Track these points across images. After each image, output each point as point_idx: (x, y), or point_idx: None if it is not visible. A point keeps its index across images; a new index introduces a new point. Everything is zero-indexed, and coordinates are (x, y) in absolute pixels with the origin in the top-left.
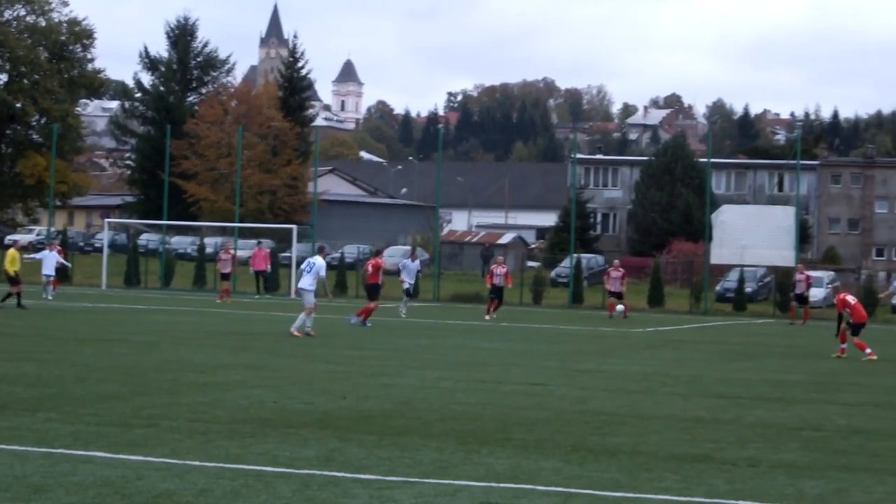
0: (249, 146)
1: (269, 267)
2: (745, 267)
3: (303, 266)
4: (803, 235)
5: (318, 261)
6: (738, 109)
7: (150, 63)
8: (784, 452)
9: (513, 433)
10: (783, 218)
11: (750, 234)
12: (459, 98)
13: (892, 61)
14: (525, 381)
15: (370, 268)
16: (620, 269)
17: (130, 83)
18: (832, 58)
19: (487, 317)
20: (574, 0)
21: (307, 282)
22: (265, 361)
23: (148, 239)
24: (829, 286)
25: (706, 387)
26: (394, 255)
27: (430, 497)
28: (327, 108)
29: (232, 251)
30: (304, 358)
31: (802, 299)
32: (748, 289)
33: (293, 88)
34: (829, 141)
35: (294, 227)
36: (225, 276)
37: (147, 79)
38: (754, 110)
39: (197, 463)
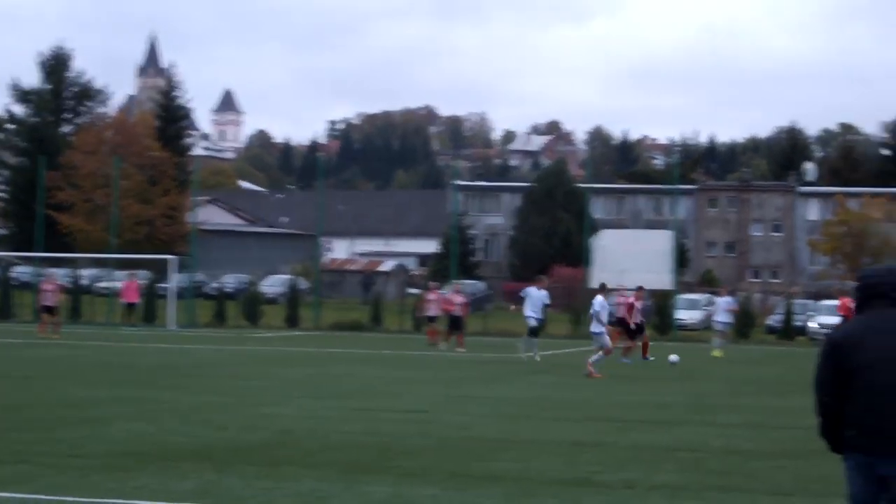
0: (126, 176)
1: (139, 299)
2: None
3: None
4: (681, 259)
5: None
6: (618, 135)
7: (22, 94)
8: (660, 474)
9: (395, 461)
10: (661, 242)
11: (629, 258)
12: (340, 126)
13: (768, 87)
14: (407, 409)
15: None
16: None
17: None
18: (713, 83)
19: (443, 345)
20: (460, 26)
21: None
22: (143, 394)
23: (20, 272)
24: (706, 308)
25: (586, 410)
26: (274, 284)
27: None
28: (206, 137)
29: (57, 282)
30: (183, 389)
31: (621, 323)
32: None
33: (171, 118)
34: (706, 165)
35: (173, 257)
36: (47, 309)
37: (19, 110)
38: (634, 135)
39: (72, 499)
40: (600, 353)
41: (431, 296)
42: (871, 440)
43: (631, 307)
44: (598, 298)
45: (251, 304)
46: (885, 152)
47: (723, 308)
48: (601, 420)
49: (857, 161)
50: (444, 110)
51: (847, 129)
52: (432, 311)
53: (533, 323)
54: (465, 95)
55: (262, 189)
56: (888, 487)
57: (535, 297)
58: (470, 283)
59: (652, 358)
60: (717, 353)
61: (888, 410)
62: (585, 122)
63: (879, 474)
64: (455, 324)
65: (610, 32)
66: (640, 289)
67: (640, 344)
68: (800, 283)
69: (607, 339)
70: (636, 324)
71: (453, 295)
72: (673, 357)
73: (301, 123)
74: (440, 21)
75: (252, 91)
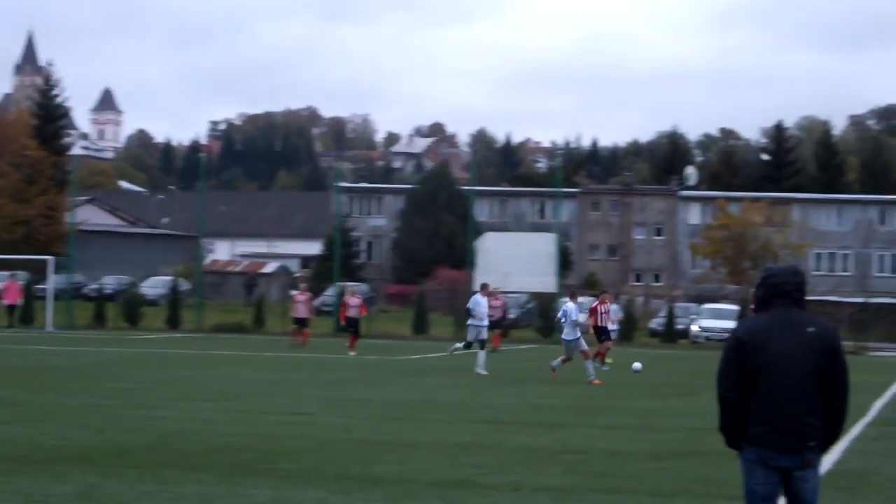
0: (2, 175)
1: (21, 300)
2: (508, 293)
3: None
4: (564, 261)
5: None
6: (501, 138)
7: None
8: (546, 476)
9: (277, 463)
10: (545, 244)
11: (513, 260)
12: (222, 127)
13: (651, 91)
14: (289, 411)
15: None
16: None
17: None
18: (597, 87)
19: (352, 352)
20: (346, 26)
21: None
22: (20, 396)
23: None
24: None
25: (471, 413)
26: (155, 286)
27: None
28: (85, 136)
29: None
30: (61, 392)
31: (498, 324)
32: (511, 315)
33: (49, 116)
34: (588, 169)
35: (51, 258)
36: None
37: None
38: (517, 138)
39: None
40: (587, 359)
41: (300, 297)
42: (773, 436)
43: (594, 311)
44: (570, 305)
45: (131, 306)
46: (765, 157)
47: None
48: (485, 422)
49: (738, 166)
50: (327, 111)
51: (727, 134)
52: (301, 312)
53: (484, 335)
54: (348, 97)
55: (143, 189)
56: (790, 479)
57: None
58: (353, 286)
59: (606, 367)
60: (608, 360)
61: (790, 407)
62: (469, 124)
63: (780, 467)
64: (353, 326)
65: (497, 35)
66: (604, 293)
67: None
68: (682, 286)
69: (583, 343)
70: (602, 327)
71: (350, 297)
72: (636, 365)
73: (182, 123)
74: (325, 21)
75: (132, 90)
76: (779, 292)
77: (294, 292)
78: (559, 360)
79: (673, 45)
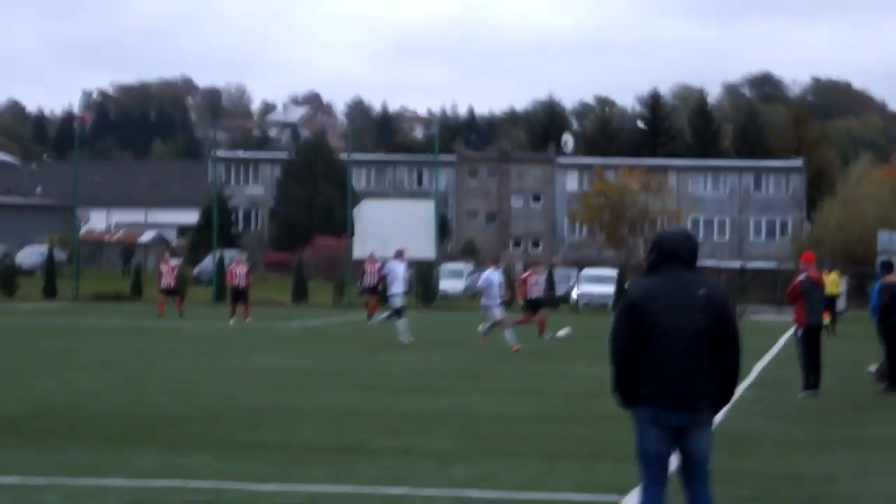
0: None
1: None
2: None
3: None
4: (443, 229)
5: None
6: (378, 107)
7: None
8: (433, 440)
9: (161, 430)
10: (423, 212)
11: (391, 228)
12: (95, 96)
13: (527, 59)
14: (171, 378)
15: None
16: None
17: None
18: (473, 55)
19: (233, 320)
20: None
21: None
22: None
23: None
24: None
25: (354, 379)
26: (31, 256)
27: (78, 498)
28: None
29: None
30: None
31: (374, 290)
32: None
33: None
34: (466, 136)
35: None
36: None
37: None
38: (393, 107)
39: None
40: (499, 326)
41: (164, 266)
42: (665, 395)
43: (524, 283)
44: (488, 272)
45: (7, 276)
46: (641, 125)
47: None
48: (368, 388)
49: (614, 133)
50: (202, 81)
51: (603, 101)
52: (165, 282)
53: (398, 302)
54: (223, 66)
55: (15, 160)
56: (682, 437)
57: (398, 272)
58: (231, 254)
59: (548, 336)
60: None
61: (681, 367)
62: (345, 93)
63: (673, 426)
64: (240, 295)
65: (373, 4)
66: (535, 263)
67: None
68: (560, 252)
69: (497, 311)
70: (533, 300)
71: (236, 266)
72: (563, 331)
73: (55, 93)
74: None
75: (2, 60)
76: (671, 255)
77: (163, 263)
78: (487, 325)
79: (549, 13)
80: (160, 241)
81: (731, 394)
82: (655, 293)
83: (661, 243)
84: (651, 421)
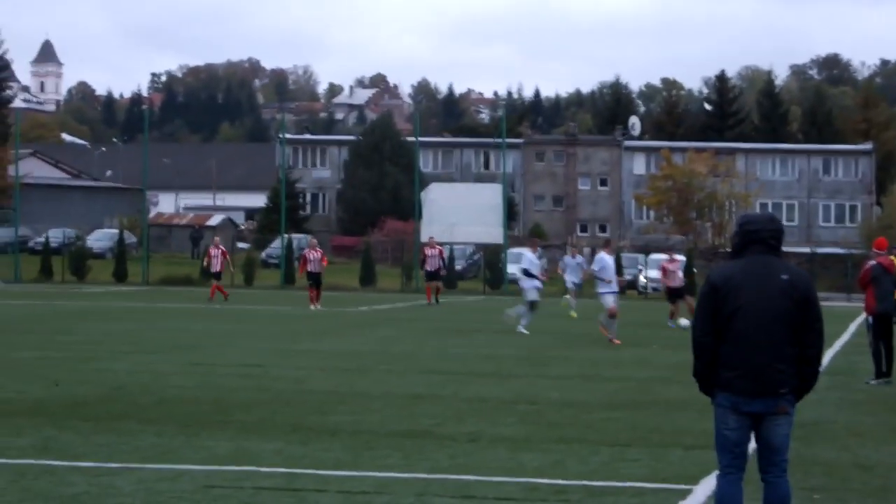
0: None
1: None
2: (454, 244)
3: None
4: (510, 212)
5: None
6: (443, 89)
7: None
8: (502, 426)
9: (232, 415)
10: (491, 196)
11: (458, 211)
12: (163, 79)
13: (593, 41)
14: (241, 363)
15: None
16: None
17: None
18: (539, 37)
19: (313, 306)
20: None
21: None
22: None
23: None
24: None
25: (422, 364)
26: (101, 239)
27: (151, 482)
28: (26, 89)
29: None
30: (12, 345)
31: (435, 275)
32: (458, 266)
33: None
34: (532, 119)
35: None
36: None
37: None
38: (459, 89)
39: None
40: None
41: (214, 251)
42: (744, 381)
43: (664, 270)
44: (602, 255)
45: (78, 259)
46: (708, 107)
47: (572, 267)
48: (437, 373)
49: (681, 116)
50: (269, 63)
51: (669, 84)
52: (216, 266)
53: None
54: (289, 48)
55: (85, 142)
56: (760, 425)
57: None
58: (300, 238)
59: (673, 325)
60: (573, 313)
61: (760, 353)
62: (411, 75)
63: (752, 412)
64: (314, 279)
65: None
66: (671, 250)
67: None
68: (627, 237)
69: (611, 298)
70: (675, 288)
71: (310, 251)
72: (684, 322)
73: (123, 75)
74: None
75: (72, 41)
76: (754, 239)
77: (210, 247)
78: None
79: None
80: (228, 224)
81: (814, 381)
82: (735, 276)
83: (743, 226)
84: (730, 407)
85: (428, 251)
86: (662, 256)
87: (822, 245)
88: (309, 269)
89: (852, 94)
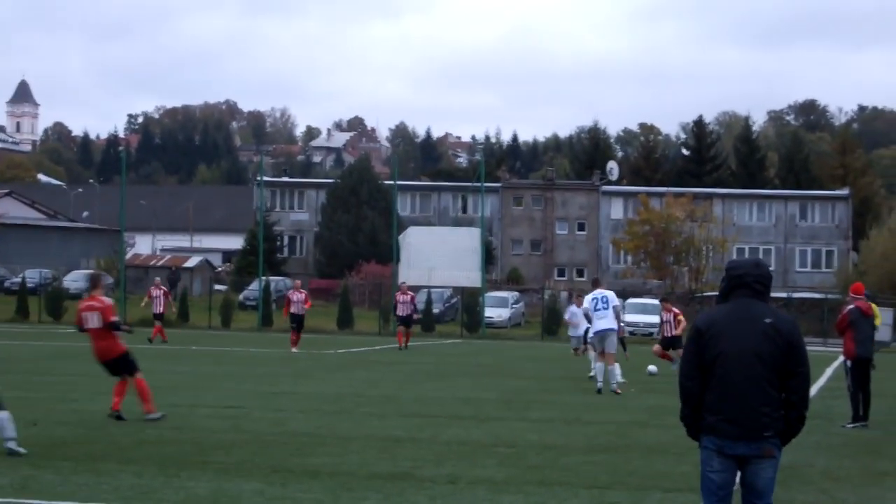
0: None
1: None
2: (432, 288)
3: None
4: (488, 256)
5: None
6: (421, 132)
7: None
8: (481, 468)
9: (211, 456)
10: (469, 239)
11: (437, 255)
12: (140, 120)
13: (572, 86)
14: (220, 405)
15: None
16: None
17: None
18: (519, 82)
19: (294, 349)
20: (269, 20)
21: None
22: None
23: None
24: (514, 306)
25: (401, 406)
26: (78, 280)
27: None
28: (2, 129)
29: None
30: None
31: (407, 321)
32: (435, 310)
33: None
34: (509, 163)
35: None
36: None
37: None
38: (437, 133)
39: None
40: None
41: (155, 291)
42: (728, 424)
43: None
44: (572, 307)
45: (55, 300)
46: (686, 152)
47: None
48: (416, 416)
49: (659, 161)
50: (246, 105)
51: (647, 129)
52: (157, 307)
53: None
54: (268, 91)
55: (61, 183)
56: (745, 468)
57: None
58: (278, 280)
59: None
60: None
61: (743, 397)
62: (390, 119)
63: (737, 455)
64: (297, 322)
65: (423, 31)
66: (665, 300)
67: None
68: (604, 281)
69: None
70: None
71: (294, 292)
72: (651, 368)
73: (100, 116)
74: (248, 14)
75: (48, 81)
76: (739, 283)
77: (152, 288)
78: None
79: (598, 40)
80: (205, 266)
81: (800, 425)
82: (719, 321)
83: (729, 271)
84: (715, 450)
85: (400, 297)
86: (640, 301)
87: (799, 290)
88: (292, 311)
89: (829, 139)
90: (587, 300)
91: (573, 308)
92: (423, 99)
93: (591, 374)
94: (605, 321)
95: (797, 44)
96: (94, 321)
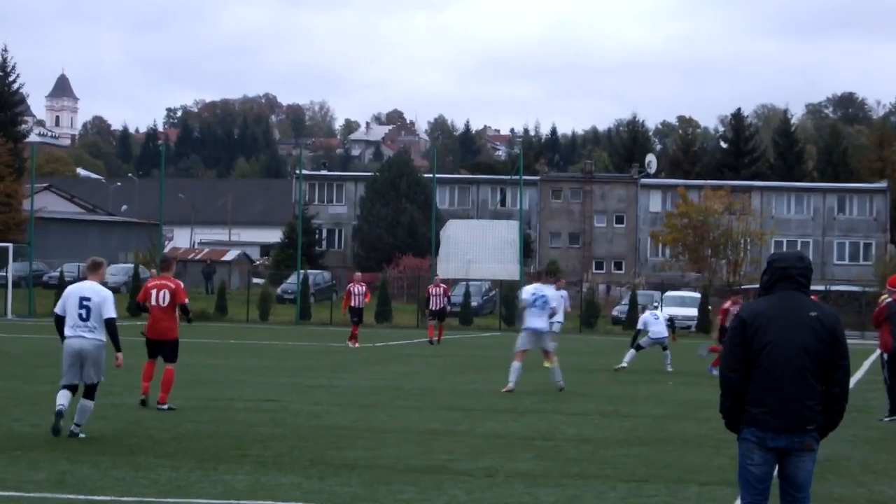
0: None
1: None
2: (470, 281)
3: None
4: (526, 249)
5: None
6: (460, 126)
7: None
8: (518, 462)
9: (249, 450)
10: (507, 232)
11: (475, 248)
12: (179, 114)
13: (612, 78)
14: (258, 398)
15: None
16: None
17: None
18: (560, 74)
19: (352, 343)
20: (310, 12)
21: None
22: None
23: None
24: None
25: (438, 399)
26: (116, 273)
27: None
28: (41, 123)
29: None
30: (25, 378)
31: (440, 314)
32: (474, 303)
33: (5, 103)
34: (548, 156)
35: (9, 245)
36: None
37: None
38: (476, 126)
39: None
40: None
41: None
42: (771, 417)
43: (725, 312)
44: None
45: None
46: (724, 145)
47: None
48: (452, 409)
49: (697, 154)
50: (285, 99)
51: (686, 122)
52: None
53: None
54: (307, 84)
55: (100, 177)
56: (784, 461)
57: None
58: (316, 273)
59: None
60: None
61: (788, 390)
62: (429, 112)
63: (778, 448)
64: (357, 315)
65: (464, 23)
66: (736, 293)
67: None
68: (643, 274)
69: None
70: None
71: (355, 285)
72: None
73: (138, 110)
74: (288, 6)
75: (87, 76)
76: (783, 276)
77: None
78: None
79: (637, 32)
80: (244, 260)
81: (839, 418)
82: (764, 313)
83: (773, 263)
84: (756, 443)
85: (432, 290)
86: (678, 294)
87: (837, 283)
88: (352, 304)
89: (868, 132)
90: (526, 292)
91: (645, 316)
92: (462, 92)
93: (620, 365)
94: (540, 321)
95: (836, 36)
96: (164, 299)
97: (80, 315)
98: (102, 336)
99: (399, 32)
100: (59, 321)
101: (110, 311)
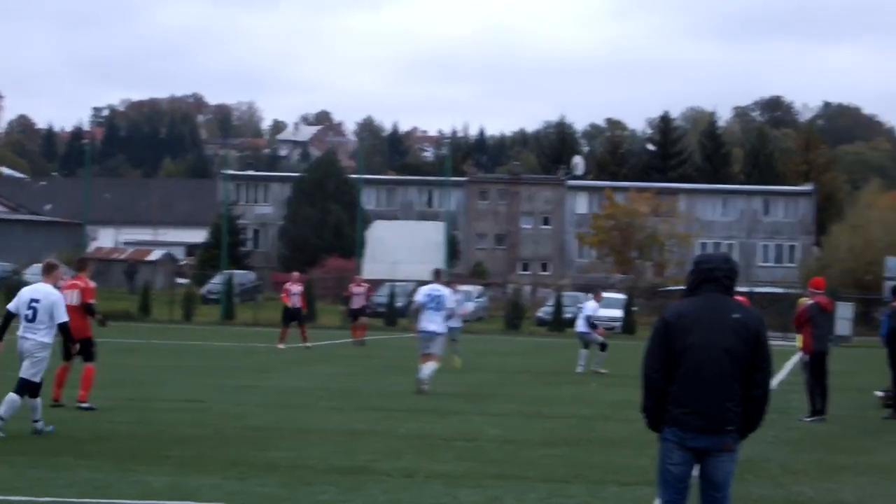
0: None
1: None
2: (395, 282)
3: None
4: (453, 250)
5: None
6: (388, 126)
7: None
8: (439, 463)
9: (170, 450)
10: (433, 233)
11: (402, 249)
12: (105, 113)
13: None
14: (180, 398)
15: None
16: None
17: None
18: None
19: (281, 345)
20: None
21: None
22: None
23: None
24: (477, 300)
25: (361, 400)
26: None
27: None
28: None
29: None
30: None
31: (360, 313)
32: (398, 303)
33: None
34: (476, 158)
35: None
36: None
37: None
38: (404, 127)
39: None
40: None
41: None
42: (691, 417)
43: None
44: (591, 304)
45: (15, 292)
46: (651, 148)
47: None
48: (375, 410)
49: (624, 156)
50: (213, 98)
51: (614, 124)
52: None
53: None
54: (235, 84)
55: (24, 175)
56: (706, 462)
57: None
58: (241, 274)
59: None
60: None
61: (710, 391)
62: (358, 113)
63: (698, 448)
64: (294, 317)
65: (402, 23)
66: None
67: None
68: (569, 275)
69: (596, 336)
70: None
71: (292, 285)
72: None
73: (64, 109)
74: (221, 6)
75: (12, 73)
76: (709, 277)
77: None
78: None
79: (571, 34)
80: (168, 260)
81: (760, 420)
82: (688, 314)
83: (699, 265)
84: (676, 443)
85: (354, 289)
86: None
87: (761, 285)
88: (288, 305)
89: (794, 136)
90: (421, 293)
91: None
92: (392, 93)
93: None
94: (435, 324)
95: (764, 40)
96: (72, 298)
97: (26, 316)
98: (47, 338)
99: (330, 33)
100: (7, 318)
101: (62, 316)
